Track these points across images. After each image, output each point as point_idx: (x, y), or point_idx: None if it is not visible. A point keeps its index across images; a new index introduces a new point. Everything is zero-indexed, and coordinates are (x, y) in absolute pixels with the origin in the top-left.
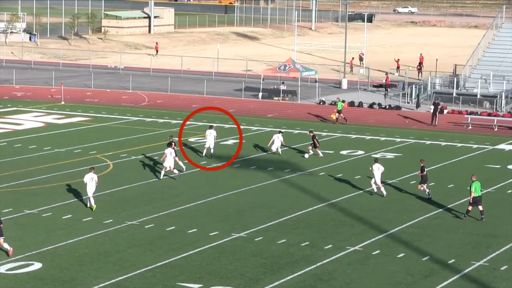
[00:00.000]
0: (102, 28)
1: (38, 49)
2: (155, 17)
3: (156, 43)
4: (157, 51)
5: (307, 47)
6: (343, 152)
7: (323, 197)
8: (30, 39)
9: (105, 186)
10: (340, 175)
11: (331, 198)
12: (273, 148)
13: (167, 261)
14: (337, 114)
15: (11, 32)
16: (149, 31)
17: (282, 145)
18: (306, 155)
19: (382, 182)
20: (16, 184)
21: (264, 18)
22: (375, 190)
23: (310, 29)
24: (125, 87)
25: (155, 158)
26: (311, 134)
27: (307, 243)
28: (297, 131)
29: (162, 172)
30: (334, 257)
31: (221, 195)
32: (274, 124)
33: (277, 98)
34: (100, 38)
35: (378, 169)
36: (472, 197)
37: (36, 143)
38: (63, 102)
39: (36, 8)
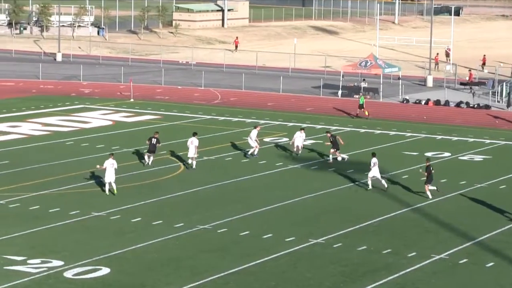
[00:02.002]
0: (173, 22)
1: (106, 43)
2: (228, 10)
3: (236, 37)
4: (236, 46)
5: (390, 42)
6: (428, 154)
7: (406, 202)
8: (98, 33)
9: (176, 188)
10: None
11: (415, 203)
12: (295, 148)
13: (240, 267)
14: (358, 109)
15: (79, 26)
16: (223, 25)
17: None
18: (331, 158)
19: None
20: (84, 185)
21: (344, 11)
22: (369, 185)
23: (393, 22)
24: (197, 84)
25: (227, 159)
26: (329, 135)
27: (389, 250)
28: (378, 131)
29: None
30: (418, 265)
31: (298, 198)
32: (354, 124)
33: (357, 96)
34: (171, 32)
35: (374, 164)
36: None
37: (104, 142)
38: (132, 100)
39: (104, 1)
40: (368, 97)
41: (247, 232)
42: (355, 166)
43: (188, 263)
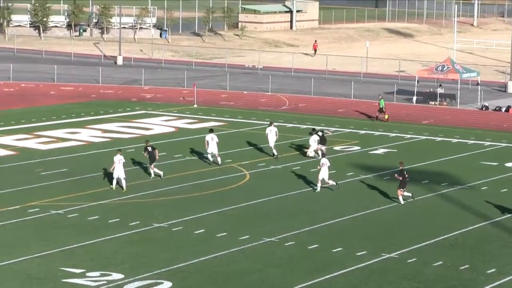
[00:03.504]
0: (239, 24)
1: (169, 46)
2: (297, 11)
3: (315, 41)
4: (315, 51)
5: (468, 45)
6: (509, 164)
7: (485, 215)
8: (160, 36)
9: (241, 198)
10: (505, 190)
11: (494, 216)
12: (309, 153)
13: (309, 283)
14: (378, 112)
15: (140, 28)
16: (291, 27)
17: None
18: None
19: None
20: (144, 194)
21: (420, 12)
22: (318, 187)
23: (472, 25)
24: (263, 89)
25: (295, 168)
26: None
27: (466, 266)
28: (455, 140)
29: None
30: (497, 282)
31: (370, 210)
32: (430, 132)
33: (433, 103)
34: (237, 35)
35: (325, 164)
36: None
37: (166, 149)
38: (195, 105)
39: (167, 2)
40: (445, 103)
41: (316, 246)
42: (430, 176)
43: (254, 277)
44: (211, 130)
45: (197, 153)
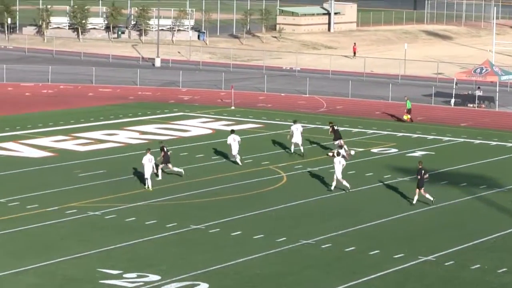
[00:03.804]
0: (277, 26)
1: (206, 48)
2: (335, 13)
3: (354, 43)
4: (354, 53)
5: (507, 47)
6: None
7: None
8: (198, 38)
9: (278, 200)
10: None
11: None
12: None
13: (345, 285)
14: (407, 114)
15: (178, 30)
16: (329, 29)
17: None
18: (352, 152)
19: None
20: (181, 196)
21: (458, 14)
22: (334, 185)
23: (511, 27)
24: (301, 91)
25: (331, 170)
26: (330, 125)
27: (505, 269)
28: (494, 143)
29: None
30: None
31: (406, 213)
32: (468, 135)
33: (471, 105)
34: (275, 37)
35: (339, 163)
36: None
37: (203, 151)
38: (233, 107)
39: (205, 4)
40: (483, 106)
41: (352, 248)
42: (468, 179)
43: (290, 279)
44: (232, 131)
45: (224, 155)
